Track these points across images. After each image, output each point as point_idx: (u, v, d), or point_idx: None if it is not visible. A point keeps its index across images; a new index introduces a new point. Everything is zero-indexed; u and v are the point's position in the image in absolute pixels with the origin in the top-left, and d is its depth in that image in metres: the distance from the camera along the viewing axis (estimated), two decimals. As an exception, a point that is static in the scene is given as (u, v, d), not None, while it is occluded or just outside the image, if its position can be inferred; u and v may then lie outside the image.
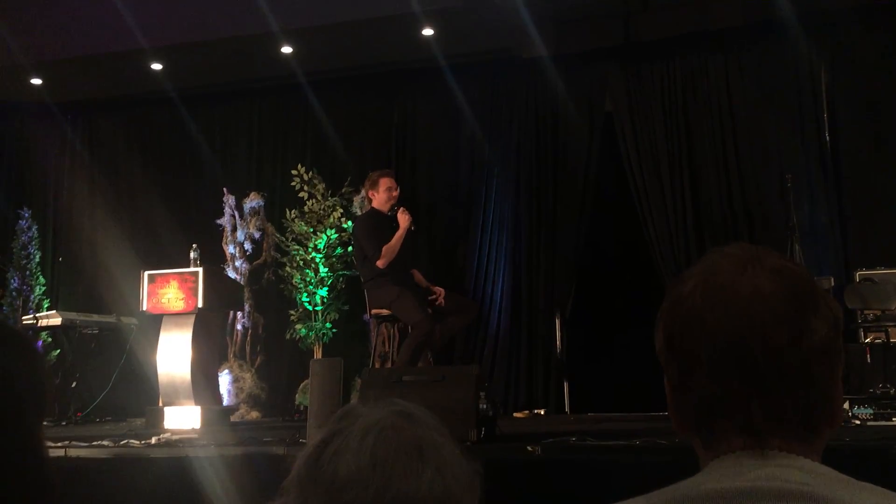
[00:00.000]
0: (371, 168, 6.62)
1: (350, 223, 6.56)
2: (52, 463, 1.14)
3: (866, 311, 4.95)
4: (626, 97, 6.52)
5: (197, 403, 5.08)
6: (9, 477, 1.07)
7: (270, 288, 6.84)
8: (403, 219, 5.28)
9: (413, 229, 5.33)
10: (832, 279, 5.41)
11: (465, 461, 0.98)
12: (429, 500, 0.91)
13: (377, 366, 5.78)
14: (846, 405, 4.02)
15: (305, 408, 5.24)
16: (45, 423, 1.18)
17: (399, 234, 5.24)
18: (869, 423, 3.97)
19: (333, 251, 6.59)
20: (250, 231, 6.79)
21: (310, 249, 6.59)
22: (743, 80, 6.31)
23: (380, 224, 5.39)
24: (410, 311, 5.06)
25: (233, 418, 5.79)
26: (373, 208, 5.55)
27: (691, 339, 0.91)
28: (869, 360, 4.69)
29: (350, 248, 6.53)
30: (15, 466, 1.07)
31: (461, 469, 0.96)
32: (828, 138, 6.11)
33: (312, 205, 6.65)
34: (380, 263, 5.24)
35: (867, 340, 4.94)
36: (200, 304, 5.15)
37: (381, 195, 5.48)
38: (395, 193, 5.46)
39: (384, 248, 5.20)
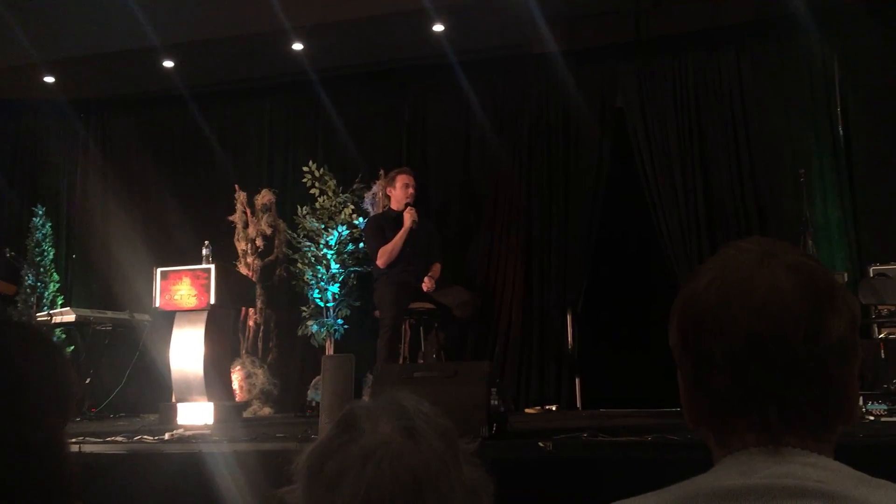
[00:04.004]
0: (382, 164, 6.68)
1: (361, 220, 6.59)
2: (72, 461, 1.15)
3: (880, 307, 4.92)
4: (637, 93, 6.49)
5: (210, 399, 5.10)
6: (30, 474, 1.08)
7: (282, 284, 6.86)
8: (406, 218, 5.38)
9: (415, 228, 5.40)
10: (845, 274, 5.39)
11: (470, 483, 0.97)
12: None
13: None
14: (860, 401, 3.99)
15: (317, 404, 5.26)
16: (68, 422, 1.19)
17: (399, 235, 5.36)
18: (883, 420, 3.95)
19: (345, 247, 6.60)
20: (262, 228, 6.81)
21: (321, 246, 6.60)
22: (755, 75, 6.27)
23: (382, 225, 5.53)
24: (383, 310, 5.24)
25: (245, 414, 5.81)
26: (387, 208, 5.68)
27: (706, 336, 0.89)
28: (883, 356, 4.66)
29: (361, 245, 6.57)
30: (36, 464, 1.09)
31: (464, 494, 0.95)
32: (841, 132, 6.07)
33: (324, 201, 6.66)
34: (379, 263, 5.46)
35: (881, 336, 4.91)
36: (213, 301, 5.17)
37: (397, 192, 5.62)
38: (410, 191, 5.56)
39: (380, 250, 5.38)
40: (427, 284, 5.46)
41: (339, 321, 6.52)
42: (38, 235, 7.36)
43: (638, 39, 6.42)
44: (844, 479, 0.84)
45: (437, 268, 5.69)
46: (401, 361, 5.68)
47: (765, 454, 0.87)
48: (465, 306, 5.44)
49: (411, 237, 5.49)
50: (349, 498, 0.90)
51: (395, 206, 5.67)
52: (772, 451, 0.87)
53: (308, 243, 6.65)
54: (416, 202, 5.75)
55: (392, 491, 0.91)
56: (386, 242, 5.47)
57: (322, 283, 6.55)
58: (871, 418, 3.96)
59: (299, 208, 6.72)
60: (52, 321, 6.19)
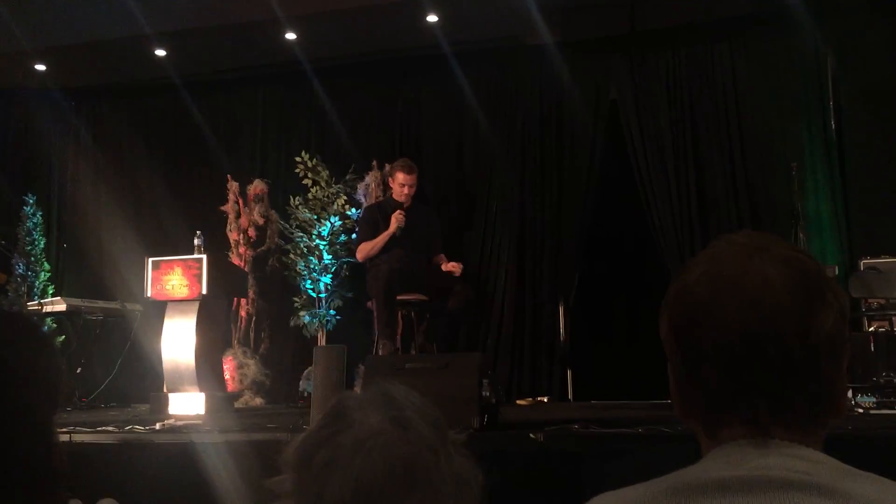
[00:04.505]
0: (375, 155, 6.68)
1: (354, 210, 6.59)
2: (61, 451, 1.15)
3: (870, 300, 4.94)
4: (631, 86, 6.49)
5: (201, 390, 5.09)
6: (18, 464, 1.08)
7: (274, 275, 6.84)
8: (392, 222, 5.36)
9: (398, 235, 5.38)
10: (836, 268, 5.41)
11: (460, 473, 0.97)
12: None
13: (380, 353, 5.81)
14: (849, 394, 4.02)
15: (309, 394, 5.26)
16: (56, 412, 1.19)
17: (381, 237, 5.35)
18: (872, 412, 3.97)
19: (337, 238, 6.60)
20: (254, 218, 6.79)
21: (314, 237, 6.59)
22: (748, 69, 6.27)
23: (377, 218, 5.53)
24: (375, 295, 5.21)
25: (237, 404, 5.81)
26: (388, 198, 5.67)
27: (697, 330, 0.90)
28: (872, 349, 4.68)
29: (354, 236, 6.56)
30: (24, 454, 1.09)
31: (455, 485, 0.95)
32: (833, 127, 6.09)
33: (316, 192, 6.64)
34: (358, 256, 5.52)
35: (871, 329, 4.94)
36: (204, 291, 5.16)
37: (394, 186, 5.63)
38: (406, 191, 5.51)
39: (361, 245, 5.40)
40: (455, 268, 5.43)
41: (332, 312, 6.52)
42: (29, 224, 7.33)
43: (632, 32, 6.41)
44: (831, 471, 0.85)
45: (442, 258, 5.70)
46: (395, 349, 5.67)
47: (753, 446, 0.87)
48: (457, 296, 5.43)
49: (406, 232, 5.46)
50: (339, 487, 0.90)
51: (395, 196, 5.66)
52: (760, 443, 0.87)
53: (300, 234, 6.64)
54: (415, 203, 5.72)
55: (382, 480, 0.90)
56: (373, 236, 5.46)
57: (314, 274, 6.55)
58: (860, 411, 3.99)
59: (292, 199, 6.70)
60: (43, 310, 6.17)
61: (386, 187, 6.52)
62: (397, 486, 0.91)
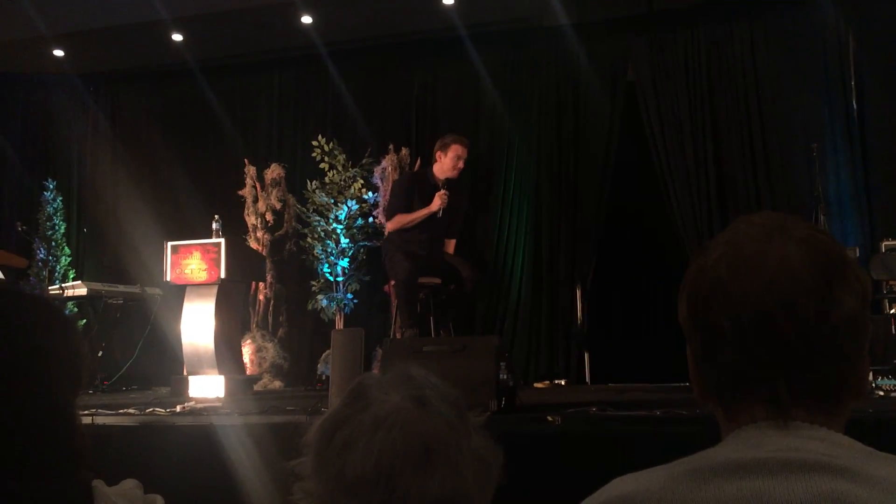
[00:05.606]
0: (391, 139, 6.67)
1: (371, 194, 6.59)
2: (83, 432, 1.16)
3: (891, 282, 4.90)
4: (648, 66, 6.43)
5: (221, 373, 5.13)
6: (42, 446, 1.09)
7: (292, 259, 6.87)
8: (435, 201, 5.24)
9: (439, 216, 5.28)
10: (857, 249, 5.36)
11: (480, 452, 0.97)
12: (440, 499, 0.92)
13: (398, 336, 5.82)
14: (870, 376, 3.99)
15: (327, 377, 5.29)
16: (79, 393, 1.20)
17: (421, 213, 5.24)
18: (892, 395, 3.94)
19: (354, 222, 6.61)
20: (272, 202, 6.81)
21: (331, 220, 6.60)
22: (768, 48, 6.19)
23: (413, 189, 5.36)
24: (396, 278, 5.18)
25: (256, 388, 5.85)
26: (426, 169, 5.56)
27: (715, 310, 0.89)
28: (893, 331, 4.65)
29: (371, 220, 6.57)
30: (48, 436, 1.10)
31: (473, 462, 0.96)
32: (854, 106, 6.00)
33: (333, 176, 6.65)
34: (389, 225, 5.39)
35: (892, 311, 4.90)
36: (223, 275, 5.18)
37: (446, 160, 5.38)
38: (461, 165, 5.37)
39: (397, 215, 5.27)
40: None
41: (349, 295, 6.54)
42: (49, 209, 7.40)
43: (650, 11, 6.34)
44: (853, 453, 0.84)
45: (451, 244, 5.66)
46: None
47: (773, 428, 0.87)
48: (465, 283, 5.40)
49: (435, 215, 5.37)
50: (360, 464, 0.91)
51: (438, 172, 5.43)
52: (781, 424, 0.87)
53: (318, 218, 6.65)
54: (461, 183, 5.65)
55: (402, 457, 0.91)
56: (408, 207, 5.33)
57: (332, 258, 6.57)
58: (881, 393, 3.96)
59: (309, 183, 6.72)
60: (64, 295, 6.23)
61: (402, 170, 6.51)
62: (417, 462, 0.92)
